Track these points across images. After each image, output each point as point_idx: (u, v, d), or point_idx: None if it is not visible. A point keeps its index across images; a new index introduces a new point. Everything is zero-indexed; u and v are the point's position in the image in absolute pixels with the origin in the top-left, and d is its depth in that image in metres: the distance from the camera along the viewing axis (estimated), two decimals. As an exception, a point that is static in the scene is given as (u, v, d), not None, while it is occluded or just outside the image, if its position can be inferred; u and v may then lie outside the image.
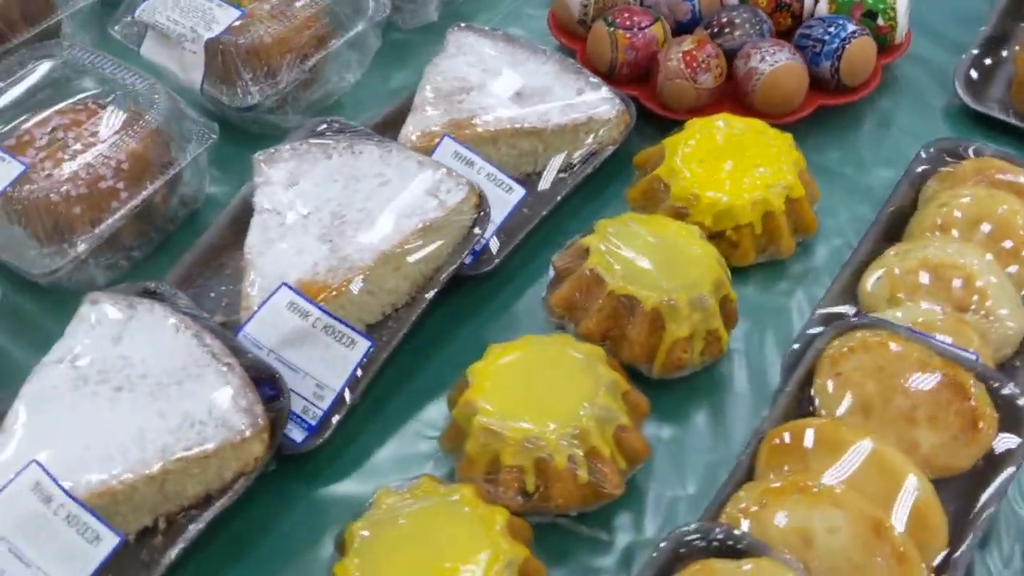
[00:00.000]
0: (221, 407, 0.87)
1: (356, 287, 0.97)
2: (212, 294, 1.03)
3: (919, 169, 1.12)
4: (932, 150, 1.14)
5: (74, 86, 1.11)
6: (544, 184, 1.13)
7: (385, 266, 0.98)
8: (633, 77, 1.22)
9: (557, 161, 1.14)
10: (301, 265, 0.98)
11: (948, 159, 1.12)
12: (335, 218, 1.01)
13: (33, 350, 1.01)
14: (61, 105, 1.08)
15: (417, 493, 0.84)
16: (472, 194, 1.02)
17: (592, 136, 1.14)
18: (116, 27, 1.22)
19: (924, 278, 1.01)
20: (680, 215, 1.06)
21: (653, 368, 0.97)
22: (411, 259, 1.00)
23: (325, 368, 0.94)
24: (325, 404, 0.93)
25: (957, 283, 1.00)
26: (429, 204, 1.01)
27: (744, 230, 1.05)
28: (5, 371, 1.01)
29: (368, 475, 0.94)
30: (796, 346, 0.97)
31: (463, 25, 1.24)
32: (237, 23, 1.14)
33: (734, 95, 1.20)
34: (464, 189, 1.02)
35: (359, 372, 0.94)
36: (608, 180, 1.17)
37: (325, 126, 1.11)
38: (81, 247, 1.01)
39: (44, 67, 1.13)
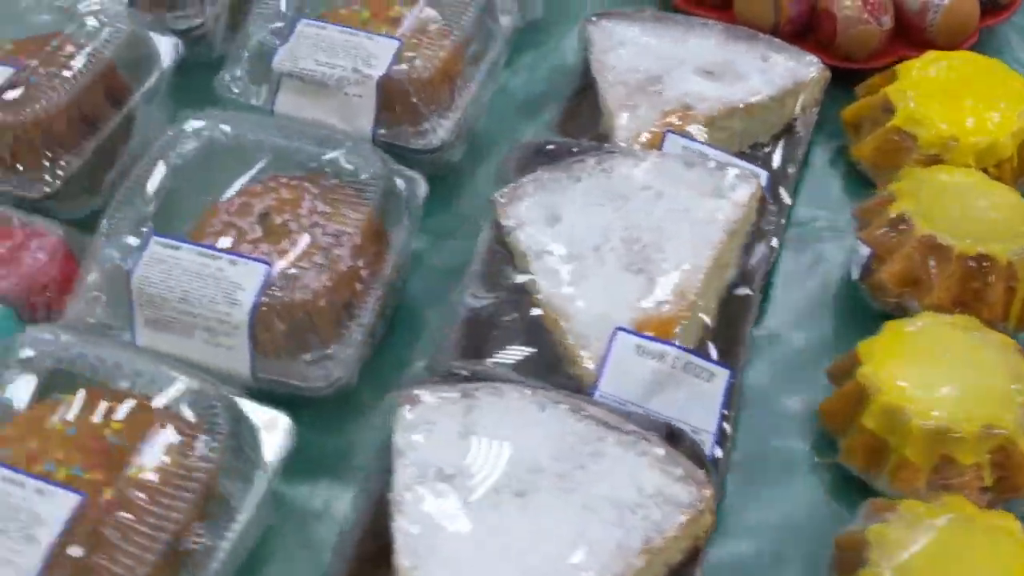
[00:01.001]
0: (653, 482, 0.74)
1: (693, 314, 0.86)
2: (490, 360, 0.89)
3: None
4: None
5: (240, 157, 0.93)
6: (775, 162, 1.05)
7: (710, 284, 0.87)
8: (793, 34, 1.15)
9: (765, 136, 1.06)
10: (624, 303, 0.85)
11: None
12: (630, 244, 0.88)
13: (320, 484, 0.86)
14: (250, 185, 0.90)
15: (913, 520, 0.74)
16: (758, 186, 0.93)
17: (796, 101, 1.06)
18: (229, 84, 1.03)
19: None
20: (933, 162, 1.00)
21: (1008, 325, 0.90)
22: (722, 270, 0.89)
23: (693, 410, 0.83)
24: (708, 450, 0.82)
25: None
26: (722, 206, 0.91)
27: (1005, 165, 1.00)
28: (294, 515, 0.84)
29: (784, 520, 0.84)
30: None
31: (600, 13, 1.12)
32: (398, 54, 0.99)
33: (902, 33, 1.15)
34: (752, 182, 0.92)
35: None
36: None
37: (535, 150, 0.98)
38: (350, 348, 0.85)
39: (178, 145, 0.95)
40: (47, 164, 0.96)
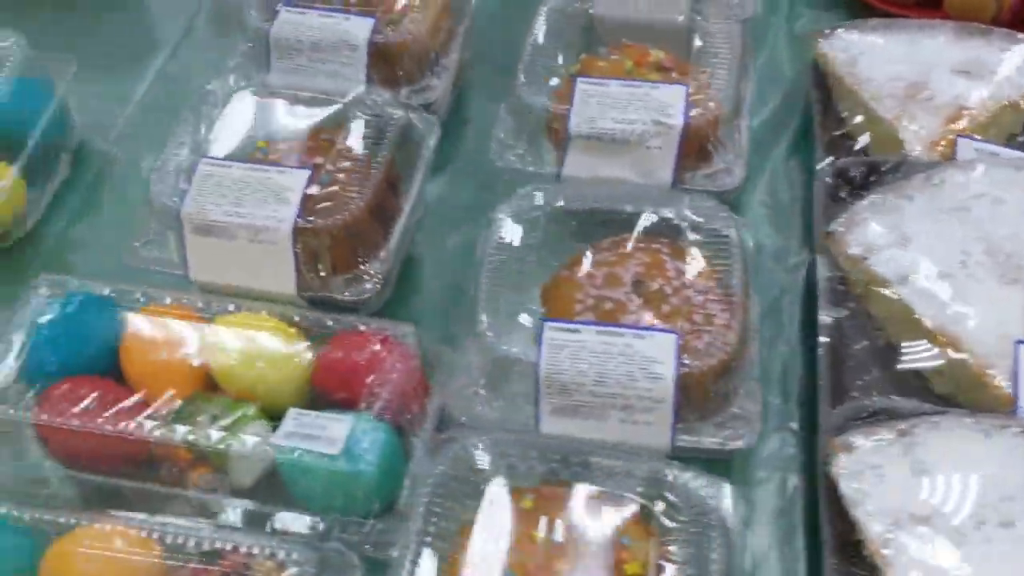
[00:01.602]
0: None
1: (1078, 315, 0.86)
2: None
3: None
4: None
5: (571, 225, 0.92)
6: None
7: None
8: (1011, 22, 1.16)
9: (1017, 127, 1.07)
10: (1013, 315, 0.85)
11: None
12: (994, 255, 0.89)
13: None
14: (598, 253, 0.89)
15: None
16: (1092, 178, 0.94)
17: (1041, 89, 1.08)
18: (504, 153, 1.01)
19: None
20: None
21: None
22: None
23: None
24: None
25: None
26: (1068, 205, 0.92)
27: None
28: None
29: None
30: None
31: (827, 32, 1.12)
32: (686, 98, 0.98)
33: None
34: (1087, 175, 0.93)
35: None
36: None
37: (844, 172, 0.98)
38: (755, 404, 0.84)
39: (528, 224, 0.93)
40: (362, 265, 0.93)
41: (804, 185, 1.09)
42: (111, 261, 1.05)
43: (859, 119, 1.06)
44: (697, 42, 1.05)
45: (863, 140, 1.05)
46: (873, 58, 1.09)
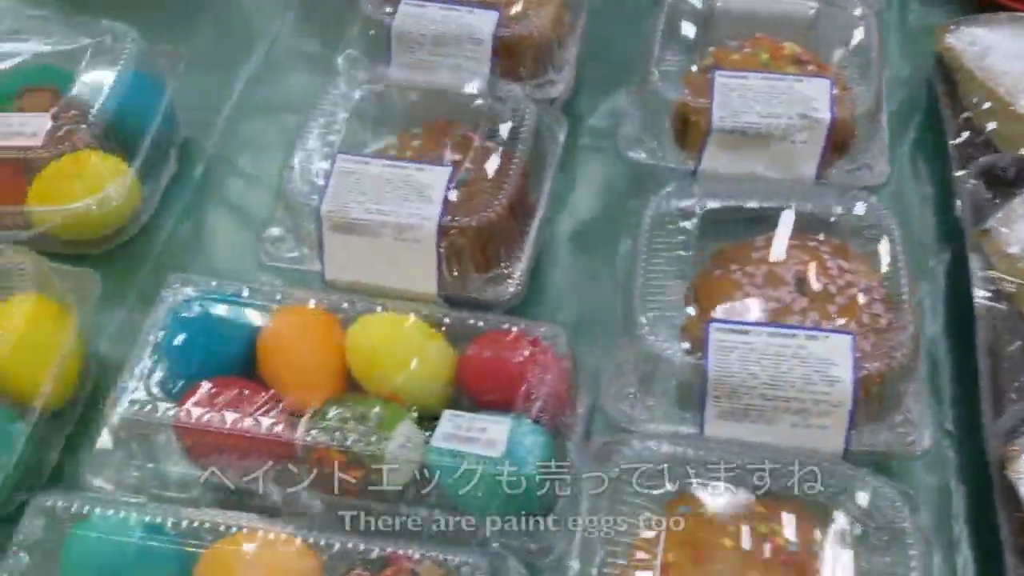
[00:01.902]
0: None
1: None
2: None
3: None
4: None
5: (723, 223, 0.90)
6: None
7: None
8: None
9: None
10: None
11: None
12: None
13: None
14: (755, 251, 0.87)
15: None
16: None
17: None
18: (634, 146, 0.98)
19: None
20: None
21: None
22: None
23: None
24: None
25: None
26: None
27: None
28: None
29: None
30: None
31: (951, 26, 1.10)
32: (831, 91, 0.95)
33: None
34: None
35: None
36: None
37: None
38: (924, 407, 0.82)
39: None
40: (502, 263, 0.91)
41: (931, 181, 1.07)
42: (225, 258, 1.04)
43: (992, 113, 1.03)
44: (832, 34, 1.03)
45: (991, 126, 1.03)
46: (1004, 52, 1.06)
